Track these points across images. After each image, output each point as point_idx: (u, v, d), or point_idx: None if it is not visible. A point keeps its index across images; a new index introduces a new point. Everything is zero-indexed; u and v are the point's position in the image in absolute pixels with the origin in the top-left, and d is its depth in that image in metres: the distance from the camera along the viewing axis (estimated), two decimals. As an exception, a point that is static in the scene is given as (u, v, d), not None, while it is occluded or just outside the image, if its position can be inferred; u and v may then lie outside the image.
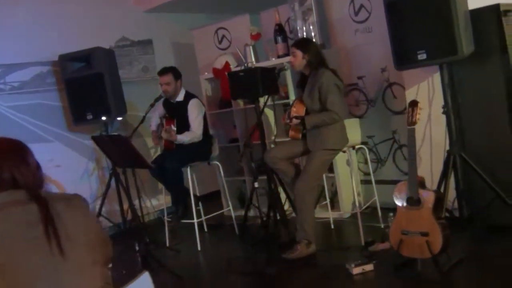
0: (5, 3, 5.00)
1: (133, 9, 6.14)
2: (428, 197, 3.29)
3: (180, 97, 4.86)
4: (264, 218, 4.42)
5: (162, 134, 4.66)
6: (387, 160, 4.83)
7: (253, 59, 5.20)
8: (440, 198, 3.34)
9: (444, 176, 3.69)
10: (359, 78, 4.88)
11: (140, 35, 6.20)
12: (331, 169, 4.72)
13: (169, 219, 4.86)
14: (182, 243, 4.78)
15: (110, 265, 1.98)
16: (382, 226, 4.25)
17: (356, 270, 3.45)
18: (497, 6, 3.62)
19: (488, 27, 3.67)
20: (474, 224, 3.90)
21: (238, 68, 5.08)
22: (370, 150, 4.90)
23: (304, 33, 4.97)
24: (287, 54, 5.04)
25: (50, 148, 5.28)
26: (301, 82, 4.14)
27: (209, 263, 4.37)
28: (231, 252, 4.35)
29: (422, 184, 3.38)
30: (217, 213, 5.09)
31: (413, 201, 3.33)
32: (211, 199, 5.69)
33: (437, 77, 3.96)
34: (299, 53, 4.00)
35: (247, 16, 5.49)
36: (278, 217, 4.43)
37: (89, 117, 5.10)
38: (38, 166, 1.56)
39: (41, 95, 5.29)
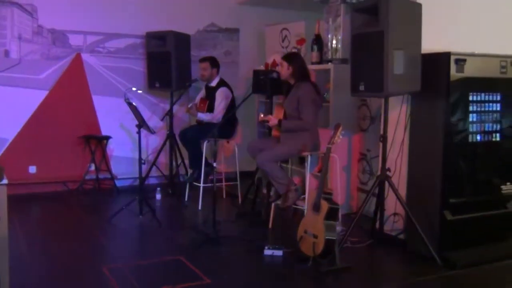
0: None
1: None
2: (323, 206, 3.85)
3: (214, 83, 5.84)
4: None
5: (185, 109, 5.72)
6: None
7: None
8: (333, 210, 3.86)
9: (366, 195, 4.12)
10: (369, 95, 5.29)
11: (228, 23, 7.23)
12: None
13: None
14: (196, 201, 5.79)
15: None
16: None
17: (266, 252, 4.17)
18: (447, 54, 3.88)
19: (437, 72, 3.95)
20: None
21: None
22: (366, 162, 5.35)
23: (333, 46, 5.51)
24: (319, 62, 5.67)
25: (129, 104, 6.69)
26: (286, 90, 4.80)
27: (191, 218, 5.37)
28: (217, 216, 5.24)
29: (328, 195, 3.93)
30: (233, 183, 6.00)
31: (316, 207, 3.91)
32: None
33: (404, 107, 4.34)
34: (285, 64, 4.68)
35: (302, 23, 6.16)
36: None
37: (157, 85, 6.36)
38: None
39: (131, 61, 6.68)
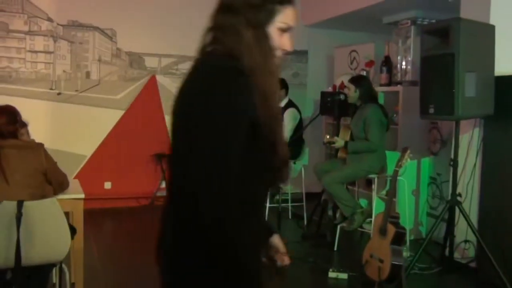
0: (179, 7, 6.66)
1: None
2: (390, 230, 3.79)
3: (282, 104, 5.89)
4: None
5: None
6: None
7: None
8: (400, 234, 3.78)
9: (436, 220, 4.01)
10: (439, 118, 5.17)
11: (297, 45, 7.28)
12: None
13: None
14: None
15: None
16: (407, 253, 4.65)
17: (331, 274, 4.14)
18: (522, 76, 3.75)
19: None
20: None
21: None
22: (437, 187, 5.21)
23: (402, 68, 5.46)
24: (388, 84, 5.63)
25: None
26: (353, 112, 4.79)
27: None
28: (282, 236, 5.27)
29: (395, 219, 3.87)
30: (298, 204, 6.00)
31: (382, 231, 3.86)
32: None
33: (476, 131, 4.22)
34: (352, 87, 4.68)
35: (371, 45, 6.14)
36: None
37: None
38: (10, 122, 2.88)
39: (202, 82, 6.89)
